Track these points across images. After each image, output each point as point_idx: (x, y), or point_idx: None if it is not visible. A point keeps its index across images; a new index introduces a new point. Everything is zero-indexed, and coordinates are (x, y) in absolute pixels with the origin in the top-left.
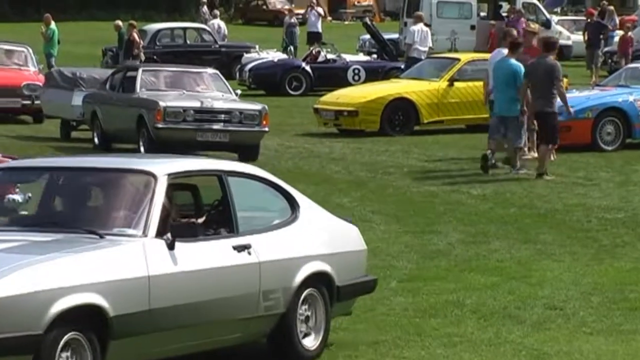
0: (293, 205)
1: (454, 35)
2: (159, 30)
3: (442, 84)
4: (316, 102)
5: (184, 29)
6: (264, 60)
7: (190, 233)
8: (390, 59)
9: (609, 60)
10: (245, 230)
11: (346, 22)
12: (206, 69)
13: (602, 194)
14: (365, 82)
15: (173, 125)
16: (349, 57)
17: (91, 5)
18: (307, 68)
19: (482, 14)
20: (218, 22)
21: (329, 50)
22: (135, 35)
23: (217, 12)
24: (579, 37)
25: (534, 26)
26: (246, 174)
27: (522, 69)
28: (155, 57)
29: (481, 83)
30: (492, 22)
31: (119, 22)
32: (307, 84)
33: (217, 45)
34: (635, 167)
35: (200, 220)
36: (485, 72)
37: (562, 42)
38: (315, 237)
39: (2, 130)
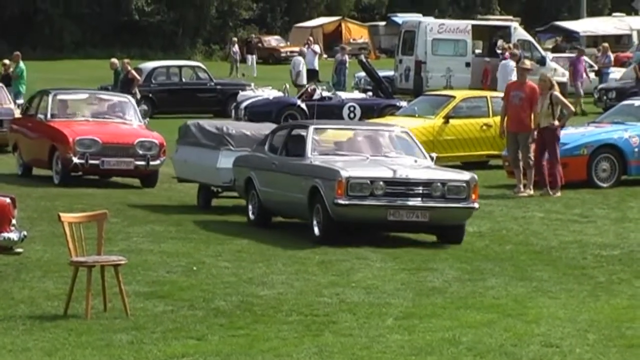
0: None
1: (449, 73)
2: (154, 69)
3: (438, 121)
4: None
5: (180, 67)
6: (260, 97)
7: None
8: (386, 96)
9: (604, 97)
10: None
11: None
12: (392, 127)
13: (597, 231)
14: (360, 119)
15: (358, 201)
16: (344, 95)
17: (87, 43)
18: (303, 105)
19: (477, 51)
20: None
21: (324, 87)
22: (135, 73)
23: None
24: None
25: (528, 63)
26: None
27: None
28: (151, 95)
29: (476, 120)
30: (487, 59)
31: (115, 60)
32: None
33: (212, 83)
34: (631, 203)
35: None
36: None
37: (557, 79)
38: None
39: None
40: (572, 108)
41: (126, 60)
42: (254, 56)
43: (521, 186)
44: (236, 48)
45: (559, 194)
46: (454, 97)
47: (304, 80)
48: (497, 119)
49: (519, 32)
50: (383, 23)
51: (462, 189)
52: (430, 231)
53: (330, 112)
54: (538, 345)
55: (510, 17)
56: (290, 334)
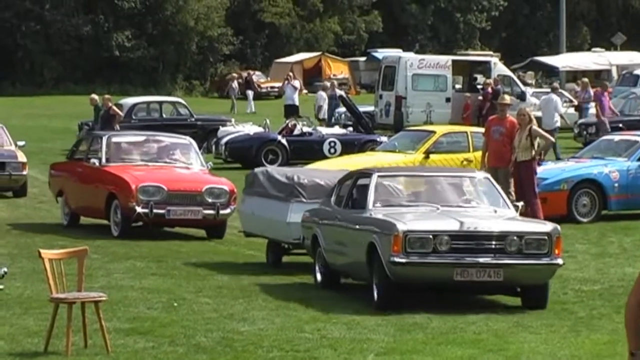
0: None
1: (430, 108)
2: (135, 104)
3: (418, 156)
4: None
5: (160, 102)
6: (240, 133)
7: None
8: (366, 131)
9: (584, 132)
10: None
11: None
12: (475, 172)
13: (578, 266)
14: (341, 154)
15: (418, 258)
16: (324, 130)
17: (67, 79)
18: (283, 141)
19: (457, 86)
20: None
21: (304, 123)
22: (117, 109)
23: None
24: None
25: (508, 98)
26: None
27: None
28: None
29: (457, 155)
30: (467, 94)
31: (95, 96)
32: (283, 157)
33: (193, 119)
34: (611, 238)
35: None
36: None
37: (536, 114)
38: None
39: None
40: (552, 139)
41: (107, 96)
42: (252, 92)
43: None
44: (236, 84)
45: None
46: (434, 132)
47: (325, 115)
48: (478, 154)
49: (499, 67)
50: (363, 58)
51: (542, 242)
52: (506, 293)
53: (311, 147)
54: None
55: (490, 53)
56: None
